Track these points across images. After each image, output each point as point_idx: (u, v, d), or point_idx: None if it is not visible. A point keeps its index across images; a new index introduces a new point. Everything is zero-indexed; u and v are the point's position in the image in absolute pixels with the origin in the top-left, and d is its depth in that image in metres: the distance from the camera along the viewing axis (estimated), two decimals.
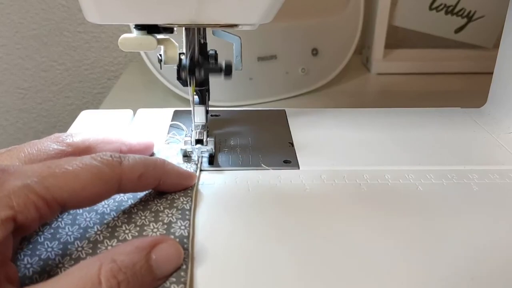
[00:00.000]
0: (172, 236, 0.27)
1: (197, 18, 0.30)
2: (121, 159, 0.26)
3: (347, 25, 0.64)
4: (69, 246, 0.26)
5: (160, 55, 0.34)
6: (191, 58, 0.34)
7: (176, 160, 0.34)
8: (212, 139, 0.37)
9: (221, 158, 0.36)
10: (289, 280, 0.25)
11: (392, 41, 0.70)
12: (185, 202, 0.29)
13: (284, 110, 0.45)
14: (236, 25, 0.32)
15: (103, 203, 0.29)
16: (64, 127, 0.79)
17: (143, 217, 0.28)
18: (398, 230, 0.28)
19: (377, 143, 0.39)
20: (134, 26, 0.32)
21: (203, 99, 0.37)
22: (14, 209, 0.22)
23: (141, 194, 0.30)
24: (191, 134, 0.37)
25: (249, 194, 0.32)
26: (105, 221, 0.27)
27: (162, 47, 0.33)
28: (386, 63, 0.69)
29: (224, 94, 0.57)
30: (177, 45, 0.34)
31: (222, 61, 0.35)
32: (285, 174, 0.34)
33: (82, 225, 0.27)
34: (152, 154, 0.35)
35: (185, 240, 0.26)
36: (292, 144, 0.38)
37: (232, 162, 0.36)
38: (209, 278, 0.25)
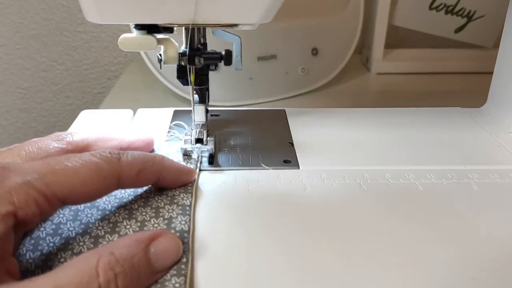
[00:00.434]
0: (173, 231, 0.27)
1: (197, 18, 0.30)
2: (119, 156, 0.27)
3: (347, 25, 0.64)
4: (70, 241, 0.26)
5: (160, 55, 0.34)
6: (191, 46, 0.34)
7: (176, 158, 0.35)
8: (212, 139, 0.37)
9: (221, 158, 0.36)
10: (289, 279, 0.25)
11: (392, 41, 0.70)
12: (185, 198, 0.30)
13: (284, 110, 0.45)
14: (236, 25, 0.32)
15: (104, 199, 0.29)
16: (64, 127, 0.79)
17: (144, 213, 0.28)
18: (398, 230, 0.28)
19: (377, 143, 0.39)
20: (134, 26, 0.32)
21: (203, 98, 0.37)
22: (15, 204, 0.22)
23: (141, 191, 0.30)
24: (191, 133, 0.37)
25: (249, 194, 0.32)
26: (106, 217, 0.28)
27: (162, 47, 0.33)
28: (386, 63, 0.69)
29: (224, 94, 0.57)
30: (177, 45, 0.34)
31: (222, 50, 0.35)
32: (285, 174, 0.34)
33: (83, 221, 0.27)
34: (152, 151, 0.35)
35: (185, 235, 0.27)
36: (292, 144, 0.38)
37: (232, 162, 0.36)
38: (209, 272, 0.25)
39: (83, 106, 0.83)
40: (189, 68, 0.34)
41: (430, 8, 0.69)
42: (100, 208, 0.28)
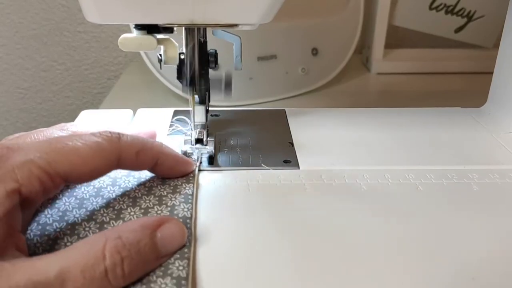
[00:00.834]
0: (176, 217, 0.28)
1: (197, 18, 0.30)
2: (120, 135, 0.28)
3: (347, 25, 0.64)
4: (76, 227, 0.27)
5: (160, 55, 0.34)
6: (191, 66, 0.34)
7: None
8: (212, 139, 0.37)
9: (221, 158, 0.36)
10: (289, 279, 0.25)
11: (392, 41, 0.70)
12: (187, 188, 0.31)
13: (284, 110, 0.45)
14: (236, 25, 0.32)
15: (108, 189, 0.30)
16: None
17: (147, 201, 0.29)
18: (398, 230, 0.28)
19: (377, 143, 0.39)
20: (134, 26, 0.32)
21: (203, 99, 0.37)
22: (19, 182, 0.23)
23: (145, 181, 0.31)
24: (191, 134, 0.37)
25: (249, 194, 0.32)
26: (111, 205, 0.29)
27: (162, 47, 0.33)
28: (386, 63, 0.69)
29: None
30: (177, 45, 0.34)
31: (222, 73, 0.36)
32: (285, 174, 0.34)
33: (89, 208, 0.28)
34: None
35: (188, 221, 0.28)
36: (292, 144, 0.38)
37: (232, 162, 0.36)
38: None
39: (83, 106, 0.83)
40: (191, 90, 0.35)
41: (430, 8, 0.69)
42: (105, 196, 0.30)
